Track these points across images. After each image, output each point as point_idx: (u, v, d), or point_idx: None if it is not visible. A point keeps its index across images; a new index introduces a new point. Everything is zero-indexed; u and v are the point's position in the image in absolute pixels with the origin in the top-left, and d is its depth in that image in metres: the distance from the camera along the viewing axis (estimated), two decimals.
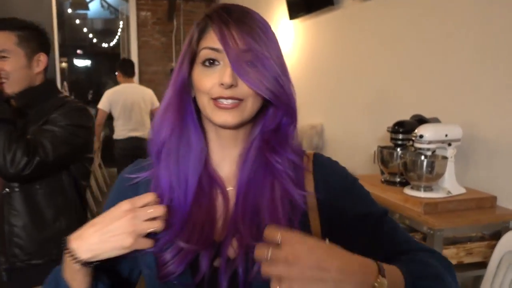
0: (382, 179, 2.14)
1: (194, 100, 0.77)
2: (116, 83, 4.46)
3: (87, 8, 8.35)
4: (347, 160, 3.01)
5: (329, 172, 0.81)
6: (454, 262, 1.74)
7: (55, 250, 1.48)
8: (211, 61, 0.72)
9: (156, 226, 0.67)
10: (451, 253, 1.73)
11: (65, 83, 6.40)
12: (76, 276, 0.69)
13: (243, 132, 0.79)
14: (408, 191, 1.89)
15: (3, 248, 1.46)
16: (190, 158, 0.76)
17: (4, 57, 1.45)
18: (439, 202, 1.77)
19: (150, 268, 0.74)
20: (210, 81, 0.72)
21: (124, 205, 0.67)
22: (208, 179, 0.78)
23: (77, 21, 9.35)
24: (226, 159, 0.80)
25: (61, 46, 6.34)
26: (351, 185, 0.81)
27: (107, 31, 9.52)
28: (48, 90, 1.57)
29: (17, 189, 1.46)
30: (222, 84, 0.70)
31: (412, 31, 2.43)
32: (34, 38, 1.52)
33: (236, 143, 0.80)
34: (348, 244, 0.61)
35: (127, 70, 4.32)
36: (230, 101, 0.71)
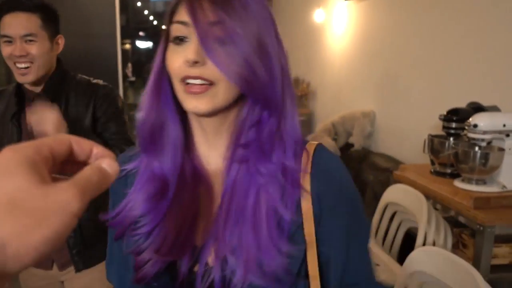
0: (432, 170, 2.06)
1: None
2: None
3: None
4: (396, 148, 3.08)
5: (328, 178, 0.72)
6: (506, 261, 1.66)
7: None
8: (181, 38, 0.65)
9: None
10: (503, 252, 1.65)
11: (129, 64, 6.65)
12: None
13: (227, 121, 0.71)
14: (458, 183, 1.80)
15: (73, 233, 1.45)
16: (169, 148, 0.70)
17: (31, 40, 1.40)
18: (492, 196, 1.67)
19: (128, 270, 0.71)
20: (178, 60, 0.64)
21: None
22: (193, 172, 0.72)
23: (139, 4, 9.67)
24: (212, 151, 0.73)
25: (123, 28, 6.39)
26: (350, 202, 0.74)
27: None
28: (63, 72, 1.52)
29: None
30: (187, 62, 0.62)
31: (472, 11, 2.29)
32: (55, 20, 1.48)
33: (221, 133, 0.72)
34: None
35: None
36: (198, 81, 0.63)
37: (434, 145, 2.02)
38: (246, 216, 0.66)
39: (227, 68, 0.62)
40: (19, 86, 1.48)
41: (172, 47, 0.66)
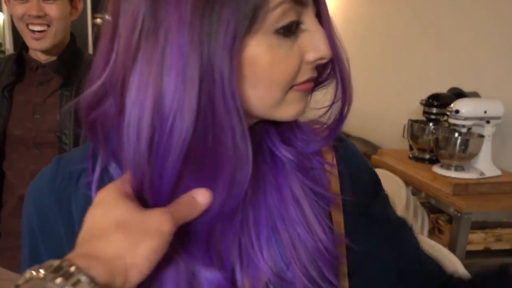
0: (410, 155, 2.06)
1: None
2: None
3: None
4: (373, 132, 2.99)
5: (356, 169, 0.60)
6: (480, 247, 1.68)
7: None
8: (296, 24, 0.44)
9: None
10: (478, 238, 1.66)
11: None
12: None
13: None
14: (437, 169, 1.80)
15: None
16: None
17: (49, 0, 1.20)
18: (470, 183, 1.68)
19: None
20: (293, 59, 0.45)
21: None
22: None
23: None
24: None
25: (94, 1, 6.38)
26: (378, 186, 0.63)
27: None
28: (76, 47, 1.37)
29: None
30: (319, 59, 0.46)
31: None
32: None
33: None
34: (373, 249, 0.56)
35: None
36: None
37: (414, 130, 2.01)
38: (287, 212, 0.51)
39: None
40: (21, 53, 1.31)
41: (276, 43, 0.42)
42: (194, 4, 0.37)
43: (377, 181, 0.63)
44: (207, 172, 0.42)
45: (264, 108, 0.45)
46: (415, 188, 1.86)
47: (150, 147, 0.40)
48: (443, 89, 2.01)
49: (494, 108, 1.70)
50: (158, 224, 0.38)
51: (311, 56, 0.44)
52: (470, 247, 1.66)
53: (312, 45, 0.44)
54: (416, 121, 2.04)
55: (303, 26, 0.43)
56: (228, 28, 0.38)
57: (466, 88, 1.94)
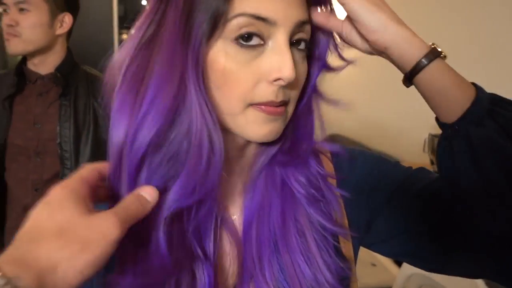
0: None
1: None
2: None
3: None
4: (393, 146, 2.96)
5: (355, 172, 0.61)
6: None
7: None
8: (254, 35, 0.47)
9: None
10: None
11: None
12: None
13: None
14: None
15: None
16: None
17: (23, 9, 1.29)
18: None
19: None
20: (251, 74, 0.48)
21: None
22: None
23: None
24: (232, 176, 0.56)
25: (121, 18, 6.60)
26: (379, 175, 0.61)
27: None
28: (73, 61, 1.45)
29: None
30: (276, 80, 0.47)
31: (478, 10, 2.27)
32: None
33: (245, 155, 0.57)
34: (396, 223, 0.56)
35: None
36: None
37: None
38: (288, 240, 0.53)
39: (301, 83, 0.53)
40: (21, 66, 1.39)
41: (233, 52, 0.46)
42: (182, 13, 0.45)
43: (378, 173, 0.61)
44: (172, 164, 0.45)
45: (229, 119, 0.48)
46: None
47: (125, 139, 0.45)
48: None
49: None
50: (104, 230, 0.37)
51: (271, 75, 0.46)
52: None
53: (276, 65, 0.46)
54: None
55: (270, 44, 0.47)
56: (197, 32, 0.45)
57: None
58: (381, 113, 3.23)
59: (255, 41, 0.46)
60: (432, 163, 2.07)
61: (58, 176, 1.33)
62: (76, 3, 1.43)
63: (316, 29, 0.53)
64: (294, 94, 0.50)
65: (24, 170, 1.33)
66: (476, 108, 0.49)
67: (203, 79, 0.46)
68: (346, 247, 0.58)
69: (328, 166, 0.60)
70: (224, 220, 0.54)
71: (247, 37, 0.46)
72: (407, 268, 1.41)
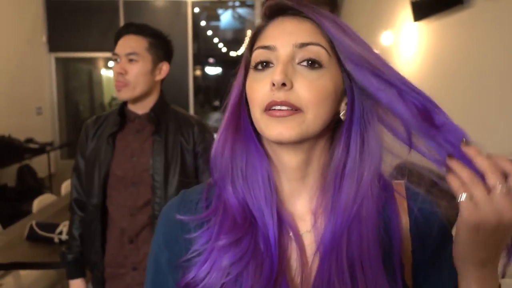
0: None
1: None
2: None
3: (219, 20, 8.09)
4: None
5: (430, 220, 0.64)
6: None
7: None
8: (264, 62, 0.61)
9: None
10: None
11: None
12: None
13: (314, 159, 0.64)
14: None
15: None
16: (260, 185, 0.62)
17: (133, 60, 1.47)
18: None
19: None
20: (262, 88, 0.60)
21: None
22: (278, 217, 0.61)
23: (209, 32, 9.31)
24: (295, 193, 0.65)
25: (195, 55, 6.48)
26: (448, 246, 0.63)
27: (235, 40, 9.56)
28: (165, 102, 1.61)
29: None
30: (272, 85, 0.57)
31: None
32: (162, 46, 1.55)
33: (307, 172, 0.64)
34: None
35: None
36: (284, 107, 0.57)
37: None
38: (359, 264, 0.58)
39: (316, 93, 0.58)
40: (123, 107, 1.56)
41: (253, 74, 0.62)
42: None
43: (445, 233, 0.66)
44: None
45: (257, 126, 0.62)
46: None
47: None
48: None
49: None
50: None
51: (271, 83, 0.59)
52: None
53: (272, 75, 0.59)
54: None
55: (273, 63, 0.61)
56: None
57: None
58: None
59: (260, 65, 0.62)
60: None
61: (149, 203, 1.49)
62: (172, 53, 1.61)
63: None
64: (304, 98, 0.57)
65: (122, 197, 1.50)
66: None
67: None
68: (407, 274, 0.63)
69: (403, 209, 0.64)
70: (295, 235, 0.62)
71: (260, 64, 0.62)
72: None
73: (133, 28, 1.52)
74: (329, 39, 0.60)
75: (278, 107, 0.58)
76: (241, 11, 7.88)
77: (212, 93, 9.77)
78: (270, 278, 0.58)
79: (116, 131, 1.54)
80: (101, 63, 7.67)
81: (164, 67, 1.56)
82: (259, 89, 0.60)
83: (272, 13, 0.64)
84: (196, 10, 7.12)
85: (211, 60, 10.21)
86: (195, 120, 1.60)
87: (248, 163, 0.63)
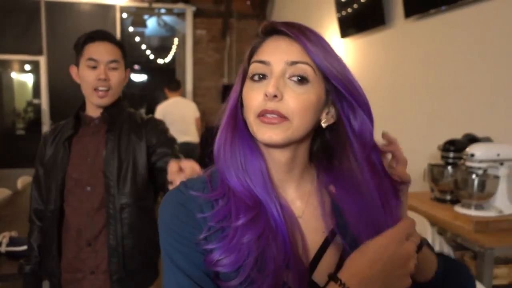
0: (432, 197, 2.20)
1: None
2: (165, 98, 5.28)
3: (145, 26, 7.71)
4: None
5: None
6: (505, 282, 1.78)
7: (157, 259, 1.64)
8: (260, 75, 0.71)
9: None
10: (502, 273, 1.76)
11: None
12: None
13: (301, 153, 0.76)
14: (458, 209, 1.93)
15: (116, 259, 1.50)
16: (257, 175, 0.72)
17: (114, 68, 1.52)
18: (490, 220, 1.78)
19: None
20: (257, 96, 0.70)
21: (397, 243, 0.61)
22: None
23: (137, 39, 9.13)
24: (284, 183, 0.77)
25: None
26: None
27: (162, 48, 9.48)
28: (121, 104, 1.63)
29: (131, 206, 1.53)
30: (266, 96, 0.68)
31: (466, 48, 2.52)
32: (126, 55, 1.61)
33: (293, 166, 0.76)
34: None
35: (172, 85, 5.19)
36: (274, 115, 0.68)
37: (434, 174, 2.16)
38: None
39: (302, 105, 0.68)
40: (78, 111, 1.59)
41: (249, 84, 0.72)
42: (240, 75, 0.76)
43: None
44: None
45: (251, 129, 0.72)
46: (440, 228, 1.96)
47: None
48: (457, 134, 2.22)
49: (506, 151, 1.86)
50: (402, 280, 0.62)
51: (264, 94, 0.69)
52: (496, 282, 1.74)
53: (266, 87, 0.69)
54: (435, 165, 2.19)
55: (268, 76, 0.71)
56: (238, 80, 0.76)
57: (479, 134, 2.15)
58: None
59: (256, 77, 0.72)
60: (432, 190, 2.24)
61: (105, 204, 1.50)
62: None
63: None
64: (291, 108, 0.68)
65: (78, 200, 1.51)
66: (437, 273, 0.76)
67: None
68: None
69: None
70: (291, 218, 0.73)
71: (256, 75, 0.71)
72: None
73: (109, 36, 1.57)
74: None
75: (269, 115, 0.68)
76: (168, 19, 7.81)
77: (137, 100, 9.67)
78: (285, 251, 0.68)
79: (71, 134, 1.55)
80: (15, 66, 7.13)
81: (127, 73, 1.63)
82: (255, 97, 0.70)
83: (267, 32, 0.74)
84: (124, 15, 6.94)
85: (136, 67, 10.12)
86: (147, 118, 1.65)
87: (246, 157, 0.73)
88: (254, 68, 0.72)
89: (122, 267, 1.50)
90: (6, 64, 7.07)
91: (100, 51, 1.52)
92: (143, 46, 9.87)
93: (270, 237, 0.67)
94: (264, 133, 0.69)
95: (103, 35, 1.55)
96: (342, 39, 4.03)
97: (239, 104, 0.76)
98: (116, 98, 1.57)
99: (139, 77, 10.74)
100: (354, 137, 0.73)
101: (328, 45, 0.72)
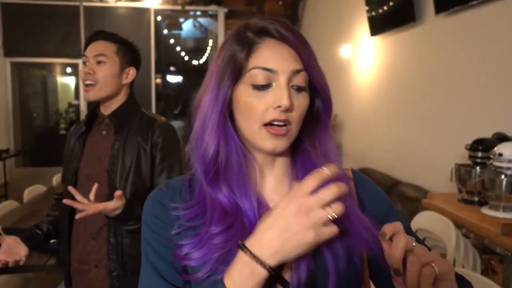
0: (459, 198, 2.15)
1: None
2: None
3: (180, 29, 8.15)
4: (421, 177, 3.20)
5: (372, 191, 0.82)
6: None
7: None
8: (265, 85, 0.69)
9: (337, 210, 0.56)
10: None
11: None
12: (250, 284, 0.59)
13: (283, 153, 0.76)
14: (486, 210, 1.88)
15: (115, 256, 1.53)
16: (240, 180, 0.72)
17: (101, 62, 1.55)
18: None
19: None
20: (261, 104, 0.69)
21: (291, 203, 0.58)
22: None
23: (172, 41, 9.33)
24: (265, 178, 0.77)
25: (156, 63, 6.53)
26: (392, 211, 0.81)
27: (197, 49, 9.63)
28: (133, 105, 1.65)
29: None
30: (279, 107, 0.67)
31: (498, 45, 2.45)
32: (130, 53, 1.63)
33: (276, 161, 0.77)
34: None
35: None
36: (282, 123, 0.69)
37: (461, 174, 2.10)
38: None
39: (301, 113, 0.71)
40: (95, 109, 1.64)
41: (251, 91, 0.70)
42: (219, 68, 0.72)
43: (390, 206, 0.81)
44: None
45: (250, 135, 0.72)
46: (466, 230, 1.94)
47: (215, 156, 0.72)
48: (487, 133, 2.14)
49: None
50: (302, 234, 0.58)
51: (275, 104, 0.69)
52: None
53: (278, 98, 0.68)
54: (463, 165, 2.13)
55: (274, 85, 0.69)
56: (228, 81, 0.72)
57: (510, 132, 2.08)
58: (409, 146, 3.42)
59: (260, 87, 0.69)
60: (460, 191, 2.19)
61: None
62: (140, 60, 1.69)
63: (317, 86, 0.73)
64: (294, 117, 0.70)
65: (86, 195, 1.48)
66: None
67: (233, 109, 0.73)
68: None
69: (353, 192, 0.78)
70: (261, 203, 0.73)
71: (261, 84, 0.69)
72: (414, 224, 1.92)
73: (103, 34, 1.61)
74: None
75: (277, 124, 0.69)
76: (203, 20, 7.92)
77: (172, 101, 9.75)
78: None
79: (84, 131, 1.62)
80: (57, 69, 7.48)
81: (131, 72, 1.63)
82: (260, 106, 0.69)
83: (259, 33, 0.72)
84: (159, 18, 7.10)
85: (172, 68, 10.23)
86: (158, 123, 1.63)
87: (229, 161, 0.73)
88: (258, 75, 0.69)
89: (121, 265, 1.53)
90: (50, 67, 7.44)
91: (90, 48, 1.58)
92: (178, 48, 10.01)
93: (242, 236, 0.65)
94: (270, 143, 0.70)
95: (97, 35, 1.61)
96: (372, 37, 4.01)
97: (227, 107, 0.73)
98: (107, 94, 1.57)
99: (174, 79, 10.78)
100: (322, 133, 0.77)
101: (312, 49, 0.74)
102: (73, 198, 1.50)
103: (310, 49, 0.72)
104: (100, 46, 1.57)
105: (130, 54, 1.63)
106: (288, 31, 0.71)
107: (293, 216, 0.58)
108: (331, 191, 0.57)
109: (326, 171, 0.58)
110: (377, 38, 4.00)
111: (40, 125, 7.67)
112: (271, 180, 0.77)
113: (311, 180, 0.58)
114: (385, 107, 3.80)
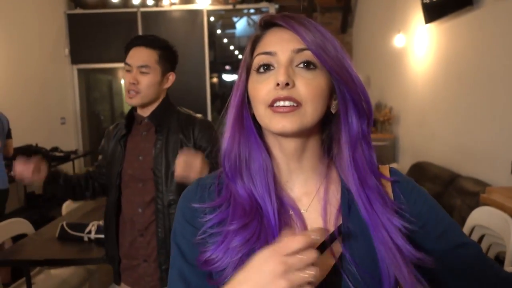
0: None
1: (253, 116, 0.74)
2: None
3: (234, 28, 8.25)
4: (479, 170, 3.05)
5: (412, 192, 0.77)
6: None
7: None
8: (266, 66, 0.71)
9: (311, 274, 0.55)
10: None
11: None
12: None
13: (311, 144, 0.75)
14: None
15: (164, 250, 1.59)
16: (260, 175, 0.72)
17: (144, 72, 1.60)
18: None
19: None
20: (265, 87, 0.70)
21: (271, 259, 0.55)
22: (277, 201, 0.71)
23: (225, 40, 9.68)
24: (293, 176, 0.76)
25: (211, 63, 6.57)
26: (438, 210, 0.76)
27: None
28: (170, 104, 1.72)
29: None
30: (277, 85, 0.67)
31: None
32: (170, 58, 1.68)
33: (303, 156, 0.75)
34: (437, 273, 0.66)
35: None
36: (287, 102, 0.67)
37: None
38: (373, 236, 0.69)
39: (313, 90, 0.68)
40: (132, 112, 1.70)
41: (255, 77, 0.72)
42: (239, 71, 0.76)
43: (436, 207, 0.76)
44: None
45: (261, 120, 0.72)
46: None
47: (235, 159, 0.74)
48: None
49: None
50: None
51: (274, 82, 0.69)
52: None
53: (276, 76, 0.69)
54: None
55: (274, 66, 0.71)
56: (242, 75, 0.75)
57: None
58: (468, 138, 3.24)
59: (262, 68, 0.71)
60: None
61: (154, 199, 1.62)
62: (176, 62, 1.75)
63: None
64: (304, 94, 0.68)
65: (132, 194, 1.65)
66: None
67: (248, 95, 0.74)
68: None
69: (389, 193, 0.74)
70: (296, 213, 0.73)
71: (262, 67, 0.71)
72: (471, 220, 1.92)
73: (143, 40, 1.64)
74: None
75: (282, 103, 0.67)
76: (256, 18, 7.95)
77: (228, 99, 10.06)
78: None
79: (124, 134, 1.68)
80: (120, 73, 7.86)
81: (171, 77, 1.70)
82: (262, 88, 0.70)
83: (267, 24, 0.74)
84: (212, 19, 7.23)
85: (227, 67, 10.47)
86: (197, 119, 1.70)
87: (250, 156, 0.73)
88: (259, 60, 0.71)
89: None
90: (114, 72, 7.86)
91: (133, 56, 1.62)
92: (231, 47, 10.36)
93: (261, 237, 0.68)
94: (278, 122, 0.68)
95: (138, 41, 1.64)
96: (427, 25, 3.83)
97: (246, 100, 0.75)
98: (149, 100, 1.64)
99: (229, 77, 11.02)
100: (344, 129, 0.72)
101: (328, 34, 0.71)
102: (118, 202, 1.59)
103: (318, 32, 0.70)
104: (143, 56, 1.61)
105: (169, 60, 1.68)
106: (293, 18, 0.71)
107: (270, 273, 0.55)
108: (312, 255, 0.55)
109: (314, 236, 0.56)
110: (432, 26, 3.79)
111: (107, 127, 7.94)
112: (301, 176, 0.75)
113: (297, 242, 0.55)
114: (443, 99, 3.63)
